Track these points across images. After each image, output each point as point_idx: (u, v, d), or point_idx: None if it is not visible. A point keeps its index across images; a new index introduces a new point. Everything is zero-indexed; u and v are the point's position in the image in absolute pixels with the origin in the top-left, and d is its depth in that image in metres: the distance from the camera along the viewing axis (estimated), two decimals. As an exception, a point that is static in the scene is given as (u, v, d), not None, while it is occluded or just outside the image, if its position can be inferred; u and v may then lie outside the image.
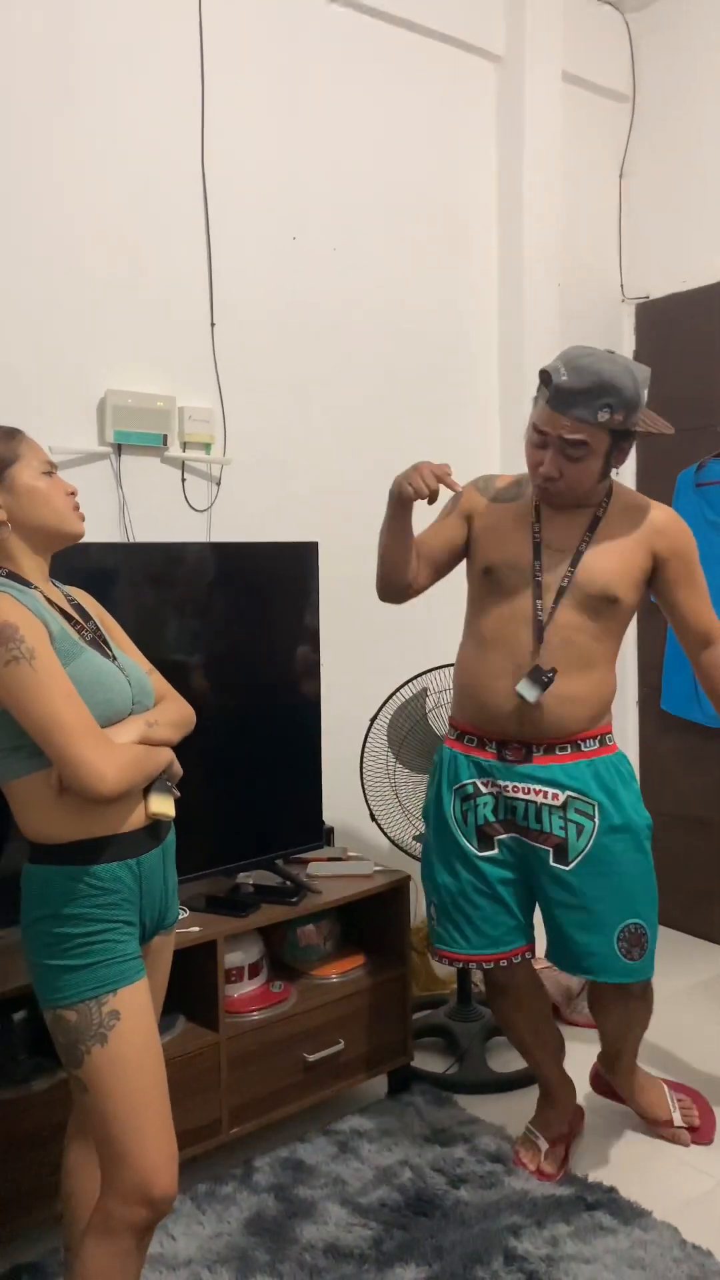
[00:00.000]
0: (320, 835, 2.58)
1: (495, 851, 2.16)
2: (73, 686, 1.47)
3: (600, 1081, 2.51)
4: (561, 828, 2.09)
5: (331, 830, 2.72)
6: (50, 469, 1.60)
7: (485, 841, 2.16)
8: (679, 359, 3.47)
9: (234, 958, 2.33)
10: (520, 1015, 2.31)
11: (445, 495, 2.29)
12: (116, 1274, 1.49)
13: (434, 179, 3.16)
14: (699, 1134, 2.38)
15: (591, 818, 2.09)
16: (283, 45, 2.80)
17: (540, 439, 2.03)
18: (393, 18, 3.00)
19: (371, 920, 2.62)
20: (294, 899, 2.40)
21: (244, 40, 2.72)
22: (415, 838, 2.70)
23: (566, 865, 2.10)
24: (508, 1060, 2.73)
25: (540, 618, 2.08)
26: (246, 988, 2.36)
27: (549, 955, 2.22)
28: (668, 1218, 2.09)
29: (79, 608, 1.66)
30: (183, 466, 2.66)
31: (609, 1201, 2.15)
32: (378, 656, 2.96)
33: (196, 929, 2.21)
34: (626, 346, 3.68)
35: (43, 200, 2.40)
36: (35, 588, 1.56)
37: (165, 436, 2.58)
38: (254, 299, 2.77)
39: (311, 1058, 2.36)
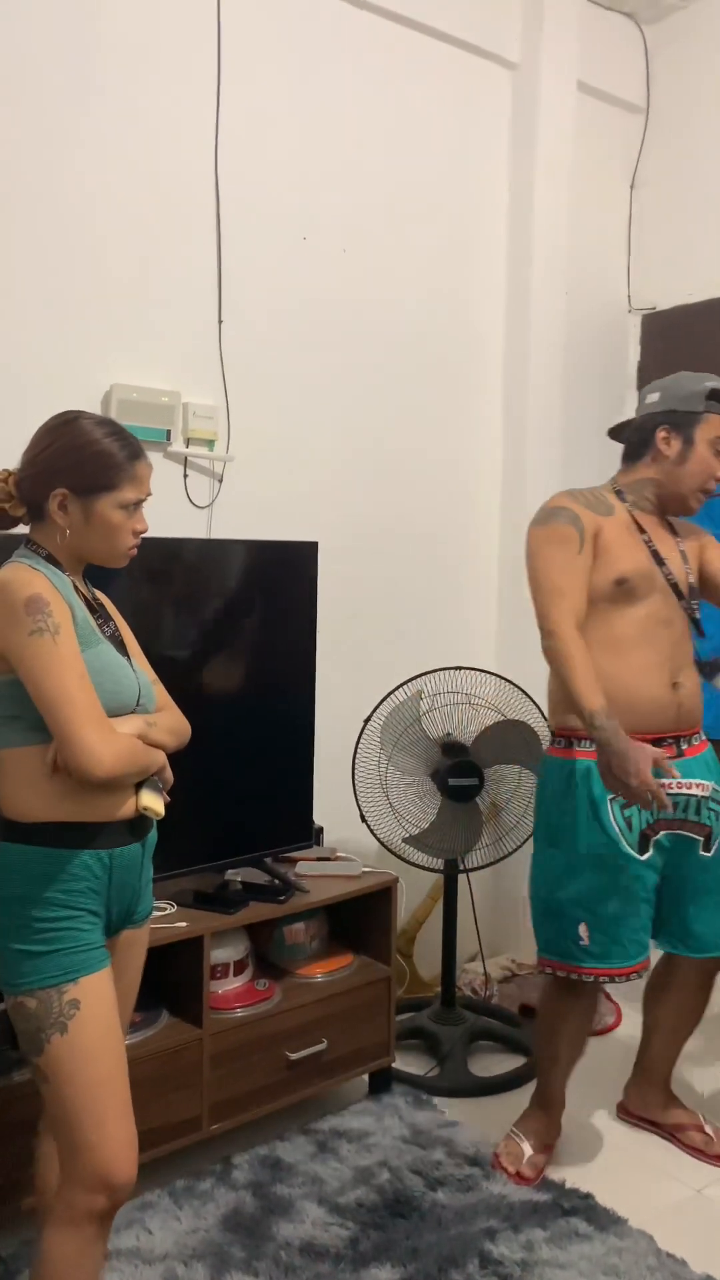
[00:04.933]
0: (310, 835, 2.59)
1: (651, 854, 2.19)
2: (86, 670, 1.50)
3: (628, 1109, 2.50)
4: (710, 817, 2.20)
5: (321, 830, 2.72)
6: (136, 504, 1.60)
7: (643, 844, 2.19)
8: (683, 371, 3.47)
9: (220, 954, 2.34)
10: (584, 1017, 2.31)
11: None
12: (79, 1262, 1.50)
13: (445, 184, 3.17)
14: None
15: None
16: (298, 46, 2.80)
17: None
18: (410, 21, 3.01)
19: (358, 921, 2.62)
20: (281, 897, 2.41)
21: (260, 40, 2.72)
22: (405, 840, 2.71)
23: (709, 852, 2.21)
24: (489, 1065, 2.74)
25: (692, 614, 2.22)
26: (231, 984, 2.37)
27: (668, 943, 2.28)
28: (644, 1226, 2.10)
29: (101, 608, 1.70)
30: (185, 462, 2.66)
31: (585, 1208, 2.16)
32: (374, 658, 2.96)
33: (183, 924, 2.21)
34: (631, 357, 3.69)
35: (56, 194, 2.41)
36: (69, 577, 1.60)
37: (169, 431, 2.58)
38: (262, 298, 2.77)
39: (294, 1056, 2.36)
